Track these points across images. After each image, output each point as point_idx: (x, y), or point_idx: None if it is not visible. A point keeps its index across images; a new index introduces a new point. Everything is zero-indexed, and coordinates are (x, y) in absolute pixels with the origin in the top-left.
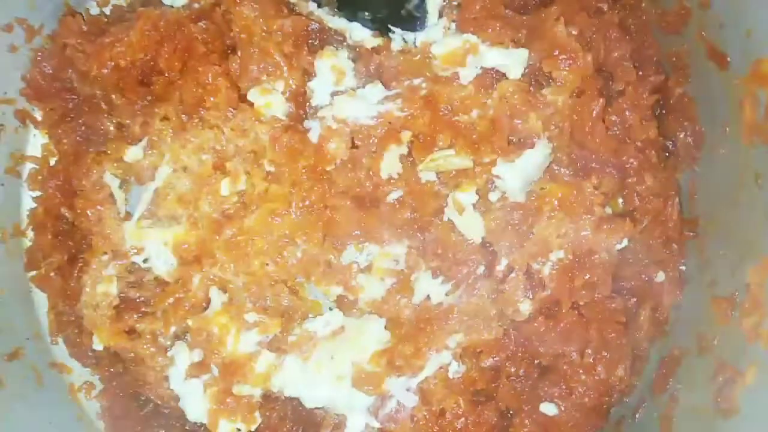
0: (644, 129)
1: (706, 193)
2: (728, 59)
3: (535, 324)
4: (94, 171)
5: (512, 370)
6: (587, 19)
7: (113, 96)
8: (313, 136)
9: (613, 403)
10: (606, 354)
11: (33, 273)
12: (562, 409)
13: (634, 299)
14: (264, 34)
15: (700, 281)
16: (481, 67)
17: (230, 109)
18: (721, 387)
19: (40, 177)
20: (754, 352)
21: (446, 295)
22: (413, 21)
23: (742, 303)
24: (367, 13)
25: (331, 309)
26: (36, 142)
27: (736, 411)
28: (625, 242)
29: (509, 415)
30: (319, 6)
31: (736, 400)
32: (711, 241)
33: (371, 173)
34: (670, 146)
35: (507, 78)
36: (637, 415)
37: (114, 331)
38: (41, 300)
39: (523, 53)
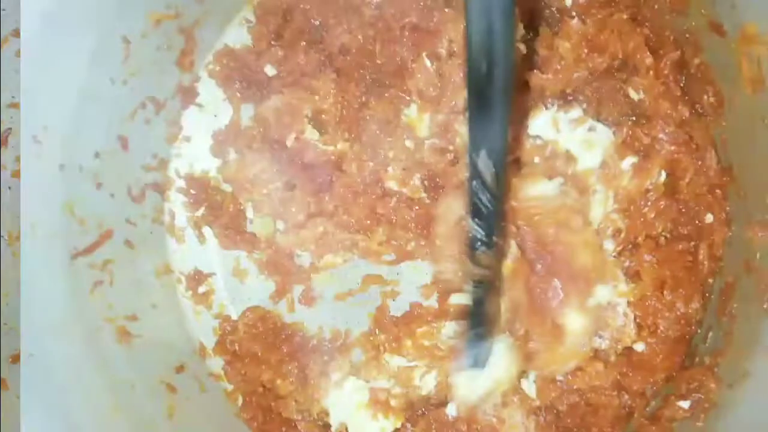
0: (671, 93)
1: (733, 142)
2: (724, 28)
3: None
4: None
5: None
6: (601, 20)
7: None
8: None
9: (694, 332)
10: (682, 291)
11: None
12: (651, 344)
13: (693, 243)
14: None
15: (741, 216)
16: None
17: None
18: (763, 292)
19: None
20: None
21: None
22: None
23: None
24: None
25: None
26: None
27: None
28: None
29: None
30: None
31: None
32: (744, 181)
33: None
34: (699, 109)
35: None
36: (707, 340)
37: None
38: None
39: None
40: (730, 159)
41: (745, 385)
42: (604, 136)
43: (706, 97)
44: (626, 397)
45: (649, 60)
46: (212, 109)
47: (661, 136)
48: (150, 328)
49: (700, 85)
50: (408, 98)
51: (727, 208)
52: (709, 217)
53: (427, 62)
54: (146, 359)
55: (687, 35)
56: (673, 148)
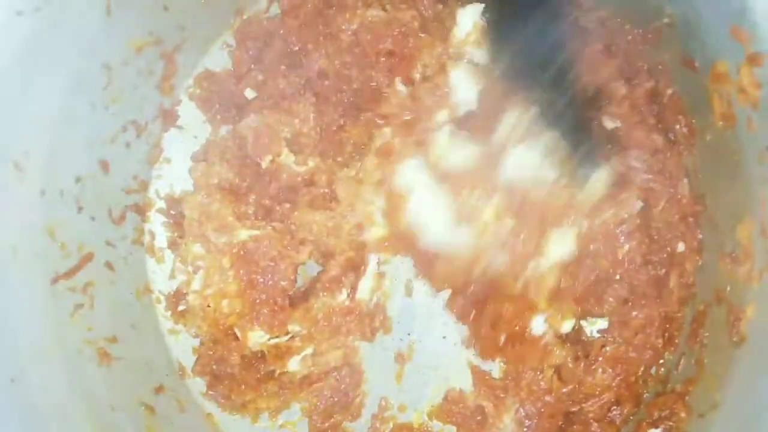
0: (645, 122)
1: (705, 172)
2: (696, 64)
3: None
4: None
5: None
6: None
7: None
8: None
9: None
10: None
11: None
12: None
13: (664, 270)
14: None
15: (713, 245)
16: None
17: None
18: (733, 324)
19: None
20: (750, 292)
21: None
22: None
23: (737, 255)
24: None
25: None
26: None
27: (744, 340)
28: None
29: None
30: None
31: (743, 332)
32: (715, 211)
33: None
34: (672, 137)
35: None
36: (679, 366)
37: None
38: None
39: None
40: (703, 188)
41: (715, 415)
42: None
43: (678, 126)
44: (595, 425)
45: (622, 90)
46: (192, 131)
47: (635, 164)
48: (130, 349)
49: (673, 114)
50: (381, 122)
51: (699, 236)
52: (680, 246)
53: (401, 87)
54: (126, 381)
55: (660, 66)
56: (648, 176)
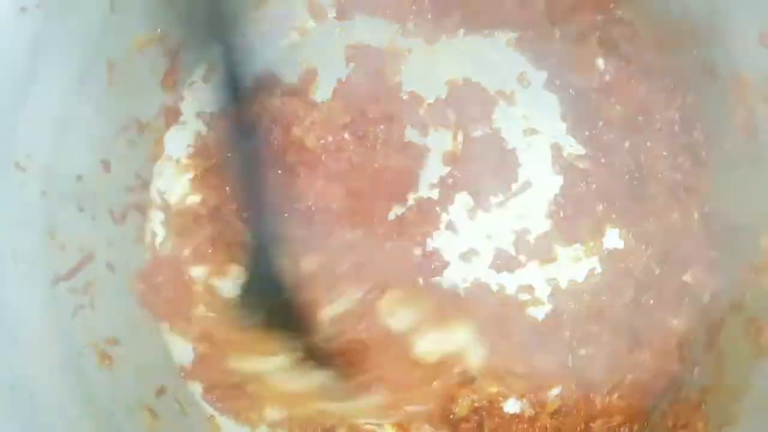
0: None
1: (722, 181)
2: (716, 72)
3: None
4: None
5: None
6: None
7: None
8: None
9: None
10: None
11: None
12: None
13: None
14: None
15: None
16: None
17: None
18: (754, 335)
19: None
20: None
21: None
22: None
23: (759, 264)
24: None
25: None
26: None
27: (766, 351)
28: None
29: None
30: None
31: (765, 342)
32: (733, 220)
33: None
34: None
35: None
36: (693, 375)
37: None
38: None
39: None
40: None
41: (734, 428)
42: None
43: (695, 134)
44: None
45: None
46: (195, 128)
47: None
48: (131, 350)
49: (690, 123)
50: None
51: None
52: None
53: None
54: (127, 383)
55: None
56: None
